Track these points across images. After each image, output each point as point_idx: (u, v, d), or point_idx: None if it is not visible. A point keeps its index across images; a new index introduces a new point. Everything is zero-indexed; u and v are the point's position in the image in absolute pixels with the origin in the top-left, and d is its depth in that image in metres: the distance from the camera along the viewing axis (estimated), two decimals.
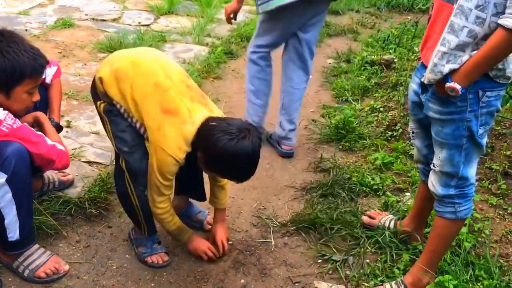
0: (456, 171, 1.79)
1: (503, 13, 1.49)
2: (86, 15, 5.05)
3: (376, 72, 4.24)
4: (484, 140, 1.77)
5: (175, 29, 4.95)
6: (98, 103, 2.07)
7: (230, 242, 2.34)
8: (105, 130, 2.14)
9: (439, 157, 1.81)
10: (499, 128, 3.23)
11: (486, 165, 2.94)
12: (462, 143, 1.74)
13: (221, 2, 5.85)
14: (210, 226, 2.39)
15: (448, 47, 1.59)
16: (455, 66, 1.59)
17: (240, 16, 5.44)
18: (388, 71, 4.20)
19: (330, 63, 4.66)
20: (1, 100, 1.85)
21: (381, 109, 3.67)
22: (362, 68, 4.36)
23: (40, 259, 2.03)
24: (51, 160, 1.88)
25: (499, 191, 2.72)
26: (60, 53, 4.14)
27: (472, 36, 1.55)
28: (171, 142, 1.90)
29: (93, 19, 4.95)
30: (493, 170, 2.87)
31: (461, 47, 1.58)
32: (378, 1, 6.34)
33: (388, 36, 4.82)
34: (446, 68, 1.60)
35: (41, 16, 4.90)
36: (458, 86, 1.59)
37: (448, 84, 1.60)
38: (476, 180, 2.78)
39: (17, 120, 1.83)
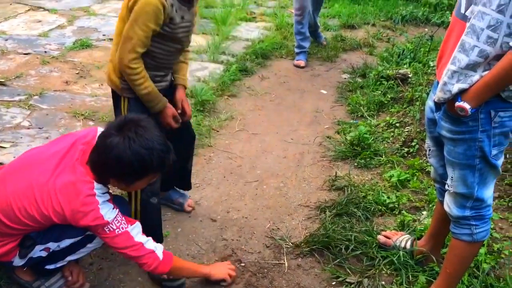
0: (471, 192, 1.75)
1: None
2: (103, 35, 5.14)
3: (392, 86, 4.19)
4: (500, 161, 1.72)
5: (190, 47, 4.96)
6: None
7: (242, 264, 2.32)
8: None
9: (452, 177, 1.76)
10: None
11: (506, 182, 2.86)
12: (474, 163, 1.69)
13: (236, 20, 5.91)
14: (190, 208, 2.62)
15: (458, 66, 1.56)
16: (465, 86, 1.55)
17: (255, 33, 5.50)
18: (404, 85, 4.15)
19: (345, 78, 4.64)
20: (119, 187, 1.89)
21: (397, 124, 3.62)
22: (378, 83, 4.32)
23: (63, 280, 2.05)
24: (141, 264, 1.85)
25: None
26: (77, 73, 4.21)
27: (483, 56, 1.52)
28: None
29: (110, 39, 5.03)
30: None
31: (471, 67, 1.54)
32: (394, 14, 6.30)
33: (403, 51, 4.78)
34: (456, 88, 1.57)
35: (60, 37, 5.01)
36: (467, 106, 1.55)
37: (457, 104, 1.57)
38: (496, 197, 2.72)
39: (124, 222, 1.78)
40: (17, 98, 3.68)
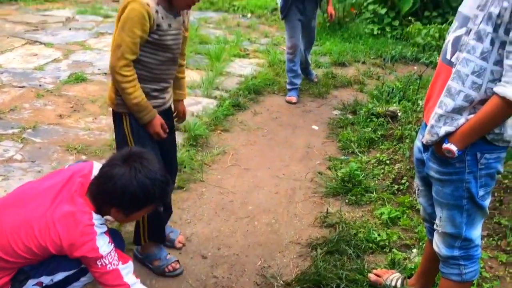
0: (459, 232, 1.77)
1: (499, 80, 1.52)
2: (98, 69, 5.22)
3: (382, 124, 4.27)
4: (487, 202, 1.76)
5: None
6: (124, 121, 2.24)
7: None
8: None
9: (440, 217, 1.80)
10: (507, 181, 3.20)
11: (494, 220, 2.89)
12: (462, 204, 1.73)
13: (230, 56, 6.03)
14: (181, 244, 2.67)
15: (445, 110, 1.62)
16: (451, 129, 1.61)
17: (248, 69, 5.61)
18: (393, 123, 4.23)
19: (336, 115, 4.71)
20: (118, 219, 1.91)
21: (387, 161, 3.67)
22: (368, 120, 4.39)
23: None
24: None
25: (508, 248, 2.66)
26: (71, 107, 4.25)
27: (469, 100, 1.58)
28: None
29: (105, 73, 5.11)
30: (502, 226, 2.82)
31: (457, 111, 1.60)
32: (383, 53, 6.47)
33: (393, 89, 4.89)
34: (442, 131, 1.62)
35: (55, 71, 5.07)
36: (454, 148, 1.60)
37: (444, 146, 1.62)
38: (485, 236, 2.74)
39: (116, 258, 1.79)
40: (10, 131, 3.70)
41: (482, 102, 1.56)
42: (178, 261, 2.48)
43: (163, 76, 2.29)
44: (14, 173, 3.14)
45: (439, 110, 1.63)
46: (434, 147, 1.71)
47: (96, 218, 1.77)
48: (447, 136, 1.63)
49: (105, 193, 1.78)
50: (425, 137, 1.70)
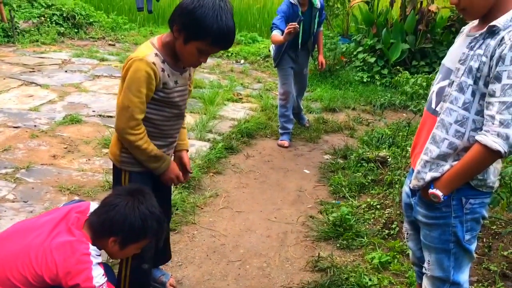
0: (447, 276, 1.81)
1: (481, 129, 1.61)
2: (93, 111, 5.29)
3: (372, 169, 4.34)
4: (473, 246, 1.81)
5: None
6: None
7: None
8: None
9: (428, 261, 1.84)
10: (495, 227, 3.25)
11: (484, 266, 2.92)
12: (449, 247, 1.77)
13: (223, 100, 6.15)
14: None
15: (430, 156, 1.69)
16: (437, 174, 1.68)
17: (241, 113, 5.72)
18: (383, 168, 4.31)
19: (327, 159, 4.79)
20: (113, 251, 1.94)
21: (378, 206, 3.72)
22: (359, 164, 4.47)
23: None
24: None
25: None
26: (65, 148, 4.29)
27: (453, 148, 1.66)
28: (139, 51, 2.05)
29: (100, 115, 5.18)
30: (491, 272, 2.85)
31: (442, 157, 1.68)
32: (373, 100, 6.64)
33: (382, 136, 5.00)
34: (428, 176, 1.69)
35: (50, 112, 5.14)
36: (440, 193, 1.66)
37: (430, 191, 1.68)
38: (474, 282, 2.77)
39: None
40: (3, 171, 3.71)
41: (466, 149, 1.64)
42: None
43: (170, 132, 2.25)
44: (6, 213, 3.14)
45: (424, 157, 1.71)
46: (421, 192, 1.77)
47: (92, 249, 1.81)
48: (433, 181, 1.69)
49: (107, 221, 1.86)
50: (412, 182, 1.77)
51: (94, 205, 2.04)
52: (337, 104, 6.43)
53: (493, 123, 1.54)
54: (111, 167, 3.91)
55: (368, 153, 4.52)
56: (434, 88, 1.78)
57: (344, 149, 4.91)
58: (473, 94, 1.61)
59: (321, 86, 7.27)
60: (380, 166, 4.35)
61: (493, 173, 1.70)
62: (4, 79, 6.15)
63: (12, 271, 1.76)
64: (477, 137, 1.59)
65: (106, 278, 1.83)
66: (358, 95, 6.88)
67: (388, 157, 4.41)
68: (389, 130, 5.20)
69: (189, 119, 5.26)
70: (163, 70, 2.05)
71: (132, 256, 2.12)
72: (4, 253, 1.82)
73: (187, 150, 2.52)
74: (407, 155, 4.39)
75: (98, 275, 1.78)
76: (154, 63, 2.00)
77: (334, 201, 3.87)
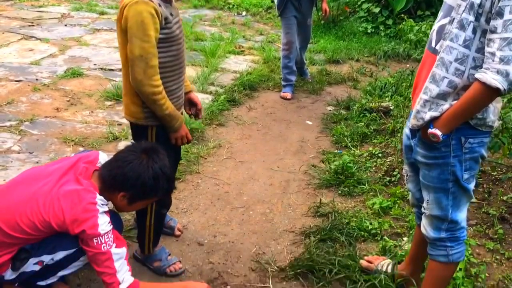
0: (445, 215, 1.85)
1: (481, 67, 1.59)
2: (94, 64, 5.26)
3: (374, 119, 4.35)
4: (471, 185, 1.83)
5: None
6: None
7: (228, 287, 2.37)
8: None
9: (427, 200, 1.87)
10: (495, 173, 3.28)
11: (483, 210, 2.97)
12: (448, 187, 1.80)
13: (225, 53, 6.09)
14: (180, 232, 2.72)
15: (429, 96, 1.69)
16: (436, 114, 1.68)
17: (243, 66, 5.68)
18: (386, 118, 4.31)
19: (330, 110, 4.79)
20: (121, 205, 1.98)
21: (380, 155, 3.75)
22: (361, 115, 4.47)
23: None
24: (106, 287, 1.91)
25: (496, 236, 2.74)
26: (68, 101, 4.30)
27: (452, 86, 1.65)
28: None
29: (101, 68, 5.15)
30: (490, 215, 2.91)
31: (442, 96, 1.67)
32: (377, 50, 6.55)
33: (385, 85, 4.97)
34: (428, 115, 1.70)
35: (52, 66, 5.11)
36: (439, 133, 1.67)
37: (429, 130, 1.69)
38: (473, 225, 2.82)
39: (111, 240, 1.85)
40: (8, 124, 3.74)
41: (465, 88, 1.63)
42: (180, 261, 2.47)
43: (181, 70, 2.19)
44: (12, 163, 3.19)
45: (424, 96, 1.70)
46: (421, 132, 1.78)
47: (99, 198, 1.85)
48: (432, 121, 1.70)
49: (119, 176, 1.88)
50: (411, 122, 1.77)
51: (103, 155, 2.06)
52: (340, 55, 6.36)
53: (493, 60, 1.52)
54: (115, 118, 3.99)
55: (371, 103, 4.51)
56: (435, 26, 1.75)
57: (347, 100, 4.89)
58: (474, 31, 1.58)
59: (324, 37, 7.16)
60: (383, 116, 4.35)
61: (493, 112, 1.70)
62: (3, 33, 6.09)
63: (21, 217, 1.81)
64: (477, 75, 1.57)
65: (111, 226, 1.87)
66: (362, 46, 6.79)
67: (390, 106, 4.40)
68: (392, 79, 5.16)
69: (191, 72, 5.23)
70: (159, 5, 1.97)
71: (156, 203, 2.18)
72: (13, 199, 1.87)
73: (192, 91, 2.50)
74: (410, 104, 4.37)
75: (104, 223, 1.83)
76: (151, 0, 1.92)
77: (336, 151, 3.90)
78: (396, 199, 3.12)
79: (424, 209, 1.90)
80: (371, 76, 5.74)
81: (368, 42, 6.93)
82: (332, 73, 5.74)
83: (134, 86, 2.02)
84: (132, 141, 2.34)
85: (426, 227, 1.93)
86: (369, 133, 4.12)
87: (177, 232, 2.71)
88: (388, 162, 3.60)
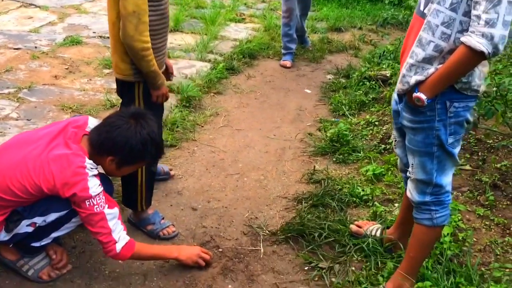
0: (430, 178, 1.86)
1: (467, 30, 1.58)
2: (94, 32, 5.23)
3: (373, 87, 4.33)
4: (456, 150, 1.84)
5: (179, 46, 5.11)
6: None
7: (220, 250, 2.42)
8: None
9: (412, 164, 1.89)
10: (491, 141, 3.28)
11: (476, 177, 2.99)
12: (432, 151, 1.81)
13: (225, 20, 6.02)
14: (173, 172, 2.95)
15: (415, 60, 1.68)
16: (421, 77, 1.68)
17: (243, 34, 5.62)
18: (384, 86, 4.28)
19: (329, 79, 4.77)
20: (109, 169, 2.01)
21: (376, 123, 3.75)
22: (360, 83, 4.45)
23: (46, 260, 2.14)
24: (102, 247, 1.98)
25: (487, 203, 2.76)
26: (67, 69, 4.30)
27: (438, 50, 1.64)
28: None
29: (100, 36, 5.12)
30: (483, 182, 2.92)
31: (427, 60, 1.66)
32: (379, 18, 6.46)
33: (384, 52, 4.92)
34: (413, 79, 1.69)
35: (51, 34, 5.09)
36: (423, 97, 1.67)
37: (414, 94, 1.69)
38: (465, 191, 2.85)
39: (103, 202, 1.89)
40: (6, 91, 3.76)
41: (451, 52, 1.62)
42: (173, 225, 2.52)
43: (166, 28, 2.27)
44: (10, 130, 3.23)
45: (410, 60, 1.70)
46: (406, 97, 1.78)
47: (88, 162, 1.88)
48: (418, 85, 1.70)
49: (107, 141, 1.92)
50: (397, 86, 1.77)
51: (92, 120, 2.09)
52: (343, 23, 6.28)
53: (478, 23, 1.51)
54: (112, 86, 3.99)
55: (370, 71, 4.48)
56: None
57: (347, 68, 4.86)
58: None
59: (327, 5, 7.05)
60: (382, 84, 4.33)
61: (478, 76, 1.69)
62: (2, 1, 6.03)
63: (12, 180, 1.85)
64: (462, 38, 1.56)
65: (102, 188, 1.91)
66: (365, 14, 6.70)
67: (389, 74, 4.37)
68: (391, 47, 5.11)
69: (190, 40, 5.20)
70: None
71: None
72: (4, 163, 1.91)
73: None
74: None
75: (94, 185, 1.87)
76: None
77: (333, 119, 3.90)
78: (389, 166, 3.14)
79: (410, 173, 1.92)
80: (373, 45, 5.68)
81: (371, 10, 6.83)
82: (334, 41, 5.68)
83: (125, 42, 2.08)
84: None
85: (411, 191, 1.95)
86: (367, 102, 4.11)
87: (172, 172, 2.90)
88: (384, 130, 3.60)
